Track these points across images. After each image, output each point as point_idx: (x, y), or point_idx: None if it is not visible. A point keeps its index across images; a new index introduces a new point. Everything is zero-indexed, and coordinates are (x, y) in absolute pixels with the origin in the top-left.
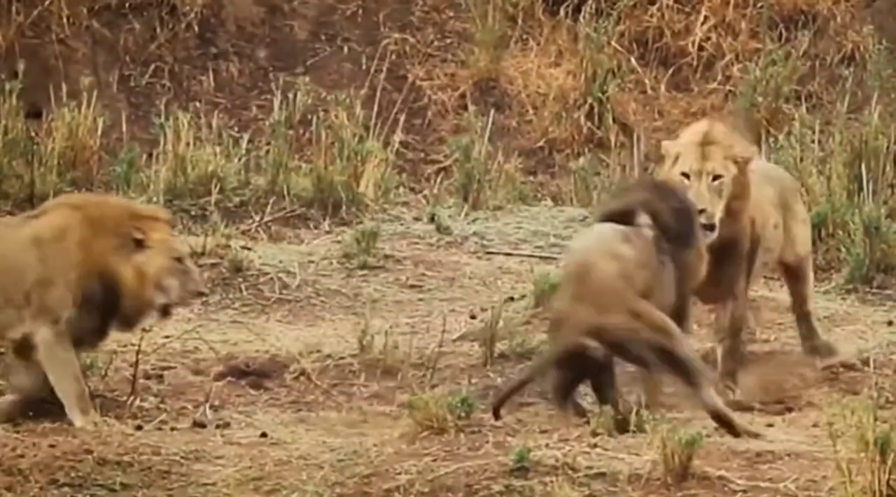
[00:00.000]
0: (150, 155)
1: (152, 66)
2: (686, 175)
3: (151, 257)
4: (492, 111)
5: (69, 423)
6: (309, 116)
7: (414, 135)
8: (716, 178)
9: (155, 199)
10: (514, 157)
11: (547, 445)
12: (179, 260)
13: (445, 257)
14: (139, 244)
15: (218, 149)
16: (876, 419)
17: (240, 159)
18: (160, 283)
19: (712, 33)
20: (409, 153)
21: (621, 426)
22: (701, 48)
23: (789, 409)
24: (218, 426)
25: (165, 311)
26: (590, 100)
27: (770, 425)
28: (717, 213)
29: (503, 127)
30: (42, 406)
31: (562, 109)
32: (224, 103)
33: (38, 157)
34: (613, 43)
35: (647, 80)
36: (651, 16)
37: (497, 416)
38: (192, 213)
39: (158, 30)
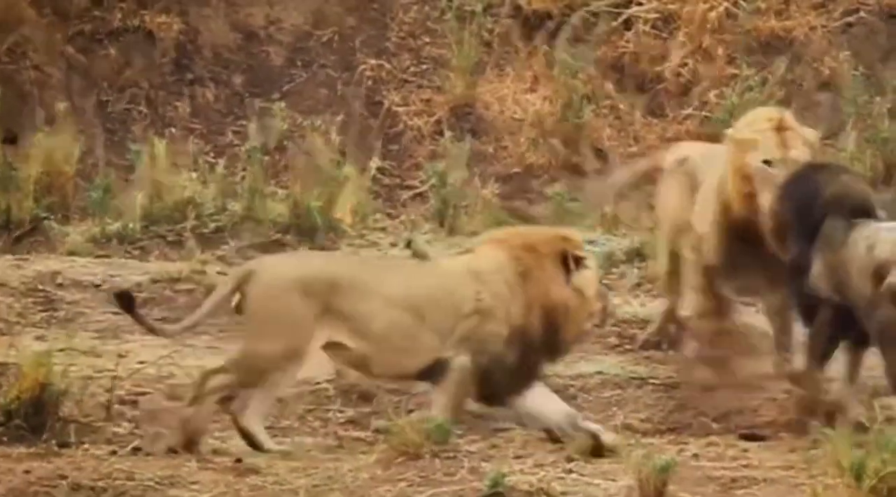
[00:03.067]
0: (126, 180)
1: (128, 92)
2: (768, 162)
3: (582, 276)
4: (468, 137)
5: (44, 449)
6: (285, 142)
7: (390, 160)
8: (794, 163)
9: (131, 224)
10: (490, 183)
11: (521, 471)
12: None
13: None
14: (578, 264)
15: (194, 174)
16: (851, 445)
17: (216, 185)
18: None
19: (689, 59)
20: (386, 179)
21: (596, 451)
22: (677, 74)
23: (763, 437)
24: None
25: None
26: (565, 125)
27: (745, 451)
28: None
29: (479, 152)
30: (17, 432)
31: (538, 135)
32: (200, 129)
33: (15, 183)
34: (589, 68)
35: (622, 106)
36: (627, 41)
37: None
38: (168, 238)
39: (134, 56)
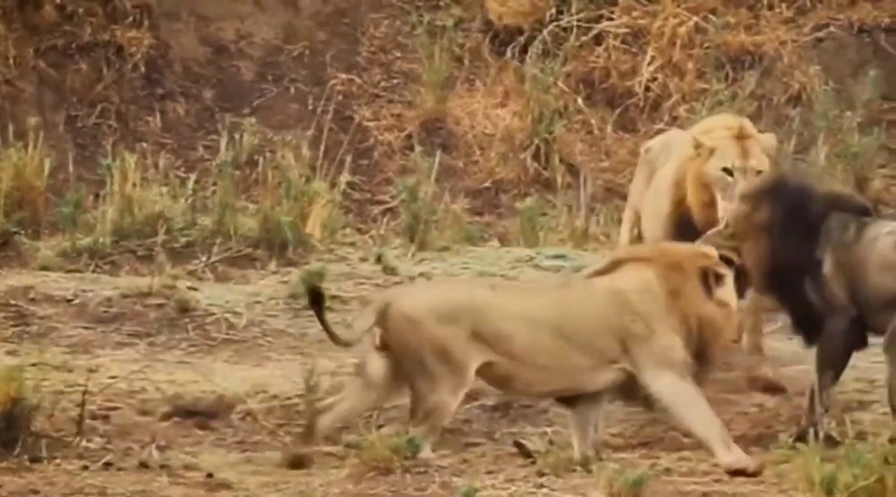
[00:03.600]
0: (96, 195)
1: (99, 107)
2: (728, 171)
3: (724, 291)
4: (438, 152)
5: (16, 464)
6: (255, 157)
7: (360, 175)
8: (758, 173)
9: (102, 239)
10: (460, 198)
11: (493, 486)
12: None
13: None
14: (718, 280)
15: (164, 189)
16: (822, 459)
17: (186, 200)
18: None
19: (659, 73)
20: (356, 193)
21: (567, 466)
22: (647, 88)
23: None
24: (163, 466)
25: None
26: (536, 140)
27: (716, 465)
28: None
29: (450, 167)
30: None
31: (508, 150)
32: (170, 144)
33: None
34: (560, 83)
35: (593, 121)
36: (598, 56)
37: None
38: (139, 253)
39: (105, 70)
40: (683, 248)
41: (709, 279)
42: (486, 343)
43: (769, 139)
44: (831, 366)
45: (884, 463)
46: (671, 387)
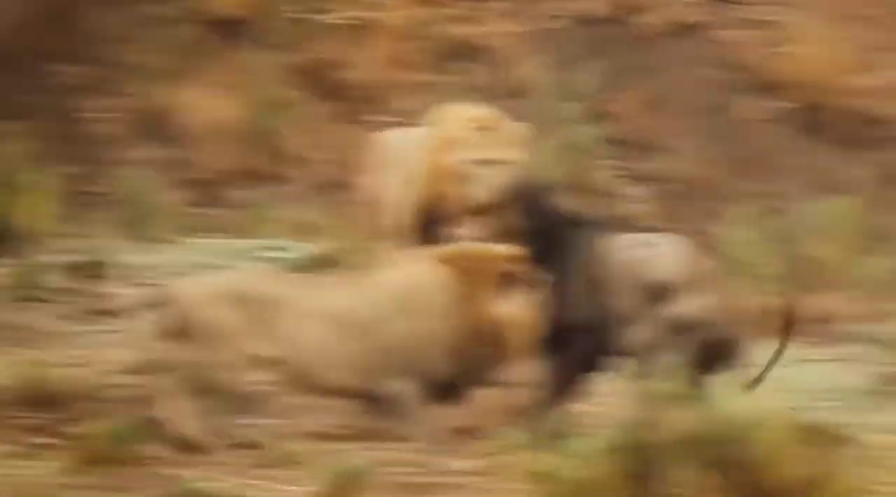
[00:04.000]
0: None
1: None
2: (474, 161)
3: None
4: (160, 143)
5: None
6: None
7: (81, 166)
8: (500, 164)
9: None
10: (182, 190)
11: (211, 477)
12: None
13: (112, 290)
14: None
15: None
16: (543, 451)
17: None
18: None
19: (383, 66)
20: (76, 185)
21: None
22: (371, 81)
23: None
24: None
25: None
26: (259, 132)
27: (440, 454)
28: None
29: (172, 159)
30: None
31: (230, 141)
32: None
33: None
34: (283, 75)
35: (317, 112)
36: (322, 48)
37: None
38: None
39: None
40: (481, 248)
41: (505, 281)
42: (277, 338)
43: (518, 129)
44: (569, 381)
45: (604, 455)
46: (407, 394)
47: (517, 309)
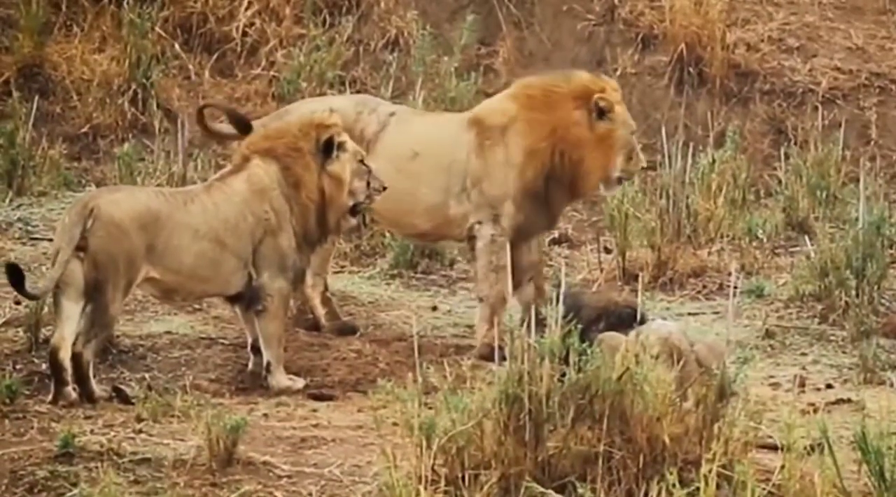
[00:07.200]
0: None
1: None
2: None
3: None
4: (36, 97)
5: None
6: None
7: None
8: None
9: None
10: (58, 143)
11: (92, 431)
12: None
13: None
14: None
15: None
16: (421, 405)
17: None
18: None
19: (256, 19)
20: None
21: (166, 411)
22: (245, 34)
23: (331, 396)
24: None
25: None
26: (134, 86)
27: (315, 411)
28: None
29: (47, 113)
30: None
31: (106, 95)
32: None
33: None
34: (157, 29)
35: (191, 66)
36: (195, 2)
37: None
38: None
39: None
40: (299, 123)
41: (329, 149)
42: (158, 257)
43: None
44: None
45: (482, 408)
46: (276, 289)
47: (336, 176)
